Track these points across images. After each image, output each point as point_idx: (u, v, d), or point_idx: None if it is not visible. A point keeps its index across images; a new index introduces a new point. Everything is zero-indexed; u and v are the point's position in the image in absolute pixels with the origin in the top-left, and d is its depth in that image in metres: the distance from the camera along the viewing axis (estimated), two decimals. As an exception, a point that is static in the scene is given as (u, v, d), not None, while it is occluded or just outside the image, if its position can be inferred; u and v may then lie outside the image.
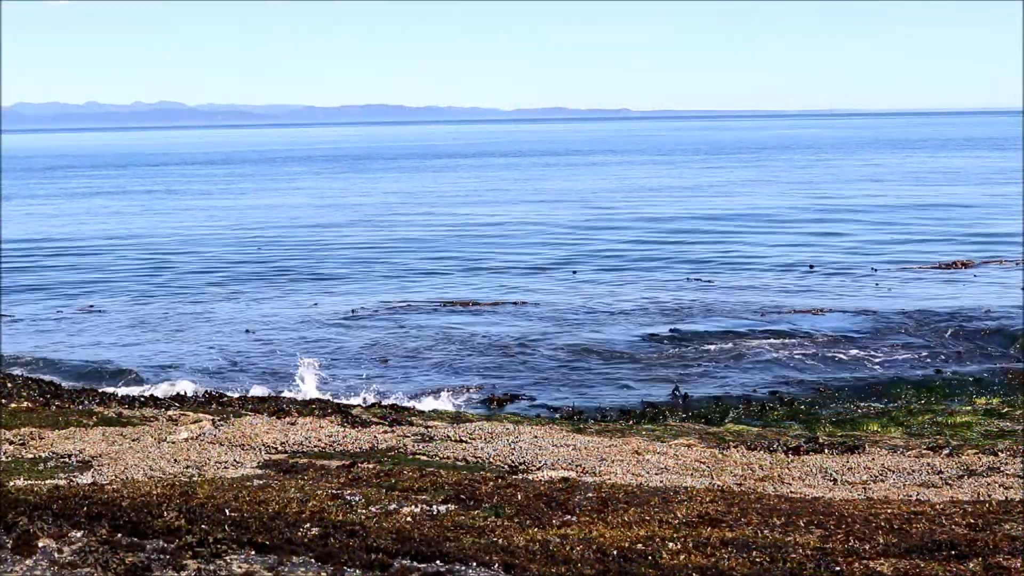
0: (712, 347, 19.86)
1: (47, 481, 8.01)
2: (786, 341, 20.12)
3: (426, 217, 45.42)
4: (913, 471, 9.00)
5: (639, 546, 6.02)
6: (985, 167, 74.28)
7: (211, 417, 11.65)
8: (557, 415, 15.04)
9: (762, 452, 10.00)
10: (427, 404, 15.77)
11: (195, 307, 24.63)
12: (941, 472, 8.97)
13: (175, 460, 9.08)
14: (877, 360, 18.77)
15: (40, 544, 5.76)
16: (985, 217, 41.30)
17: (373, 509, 6.88)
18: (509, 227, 40.77)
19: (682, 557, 5.83)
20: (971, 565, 5.65)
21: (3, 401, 11.69)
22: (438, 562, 5.71)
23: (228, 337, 21.25)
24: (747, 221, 41.15)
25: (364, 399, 15.88)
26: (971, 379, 17.16)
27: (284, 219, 45.54)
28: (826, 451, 10.12)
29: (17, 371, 16.70)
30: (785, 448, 10.17)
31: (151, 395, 14.28)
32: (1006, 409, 14.46)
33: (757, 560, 5.78)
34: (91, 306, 24.84)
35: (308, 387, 16.84)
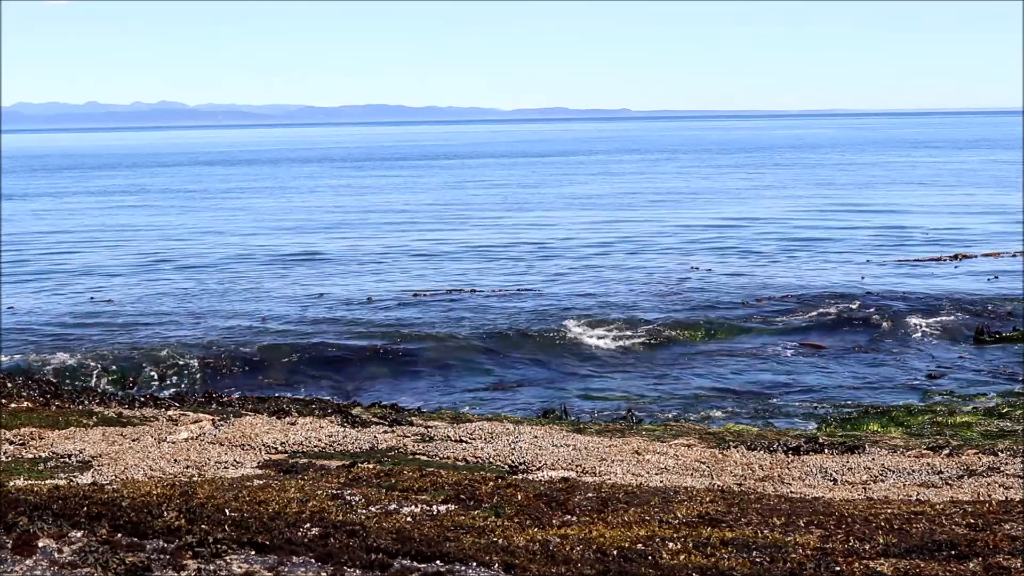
0: (708, 344, 19.86)
1: (47, 481, 8.01)
2: (784, 339, 20.10)
3: (448, 217, 45.46)
4: (913, 471, 8.99)
5: (639, 546, 6.02)
6: (993, 167, 74.34)
7: (211, 417, 11.65)
8: (555, 414, 15.02)
9: (762, 452, 9.99)
10: (427, 403, 15.77)
11: (198, 305, 24.62)
12: (941, 472, 8.97)
13: (175, 460, 9.08)
14: (876, 358, 18.75)
15: (40, 544, 5.76)
16: (989, 213, 41.31)
17: (373, 509, 6.88)
18: (510, 225, 40.78)
19: (682, 557, 5.83)
20: (971, 565, 5.65)
21: (3, 401, 11.69)
22: (438, 562, 5.71)
23: (232, 334, 21.23)
24: (749, 216, 41.15)
25: (364, 399, 15.87)
26: (971, 378, 17.15)
27: (297, 215, 45.61)
28: (826, 451, 10.11)
29: (18, 368, 16.71)
30: (785, 448, 10.17)
31: (151, 395, 14.28)
32: (1006, 409, 14.45)
33: (757, 560, 5.78)
34: (91, 298, 24.91)
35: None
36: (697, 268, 28.32)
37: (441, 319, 22.40)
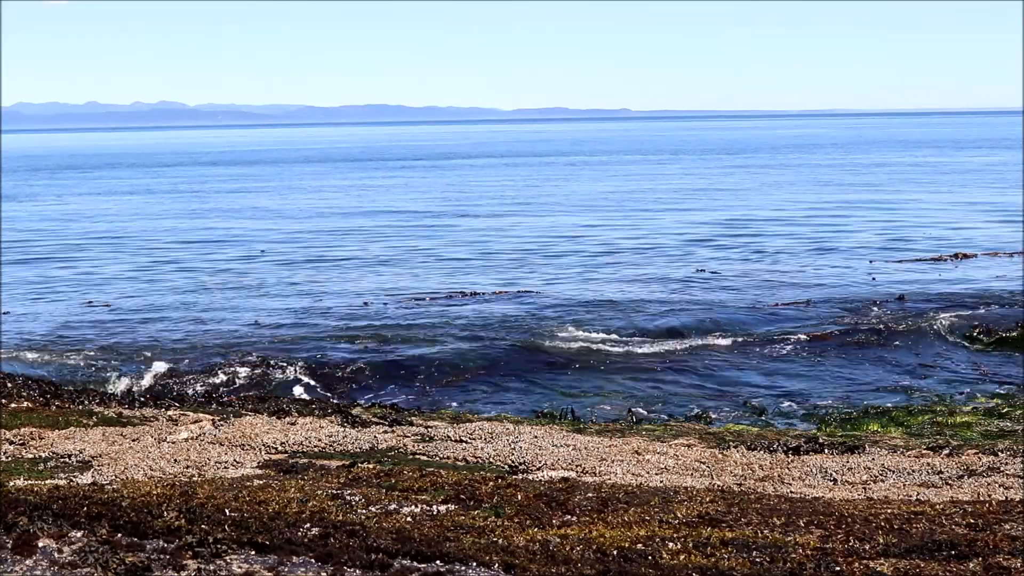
0: (709, 344, 19.85)
1: (47, 481, 8.01)
2: (785, 339, 20.10)
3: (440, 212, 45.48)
4: (913, 471, 8.99)
5: (639, 546, 6.02)
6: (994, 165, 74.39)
7: (211, 417, 11.65)
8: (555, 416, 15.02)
9: (762, 452, 9.99)
10: (427, 404, 15.77)
11: (200, 300, 24.62)
12: (941, 472, 8.97)
13: (175, 460, 9.08)
14: (876, 358, 18.74)
15: (40, 544, 5.76)
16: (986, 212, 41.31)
17: (373, 509, 6.88)
18: (512, 224, 40.77)
19: (682, 557, 5.83)
20: (971, 565, 5.65)
21: (3, 401, 11.69)
22: (438, 562, 5.71)
23: (232, 335, 21.22)
24: (751, 217, 41.12)
25: (364, 399, 15.88)
26: (971, 377, 17.15)
27: (298, 216, 45.61)
28: (826, 451, 10.11)
29: (18, 369, 16.71)
30: (785, 448, 10.17)
31: (151, 395, 14.28)
32: (1006, 409, 14.45)
33: (757, 560, 5.78)
34: (90, 302, 24.89)
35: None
36: (703, 270, 28.30)
37: (441, 320, 22.40)
